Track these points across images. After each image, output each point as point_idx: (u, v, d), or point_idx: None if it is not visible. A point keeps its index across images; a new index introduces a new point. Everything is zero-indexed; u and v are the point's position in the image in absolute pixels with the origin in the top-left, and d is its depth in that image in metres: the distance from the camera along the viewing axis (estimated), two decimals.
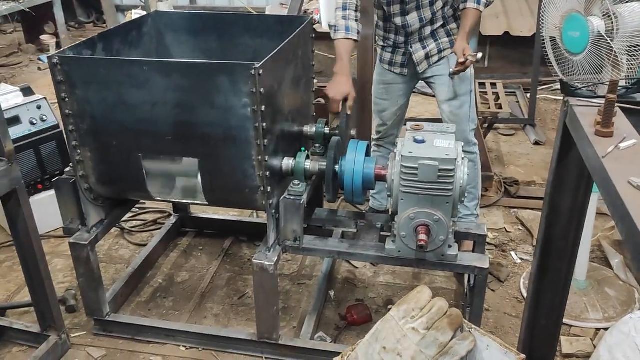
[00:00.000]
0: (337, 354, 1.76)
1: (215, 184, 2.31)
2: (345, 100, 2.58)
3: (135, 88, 2.16)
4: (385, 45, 2.98)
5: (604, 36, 1.84)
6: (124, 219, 3.23)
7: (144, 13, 3.64)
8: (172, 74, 2.13)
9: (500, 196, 3.74)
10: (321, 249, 2.41)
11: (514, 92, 5.43)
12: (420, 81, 3.06)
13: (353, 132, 2.71)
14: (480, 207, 3.28)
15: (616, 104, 1.47)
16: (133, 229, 3.53)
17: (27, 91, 3.36)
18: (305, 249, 2.40)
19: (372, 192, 3.30)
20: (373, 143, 3.20)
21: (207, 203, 2.40)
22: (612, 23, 1.84)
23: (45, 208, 3.16)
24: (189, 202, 2.67)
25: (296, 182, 2.33)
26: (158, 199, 2.45)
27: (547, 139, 4.57)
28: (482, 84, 4.97)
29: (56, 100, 2.26)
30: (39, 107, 3.32)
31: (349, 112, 2.59)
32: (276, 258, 2.32)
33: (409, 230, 2.16)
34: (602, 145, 1.40)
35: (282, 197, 2.31)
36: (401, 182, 2.10)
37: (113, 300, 2.74)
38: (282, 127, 2.36)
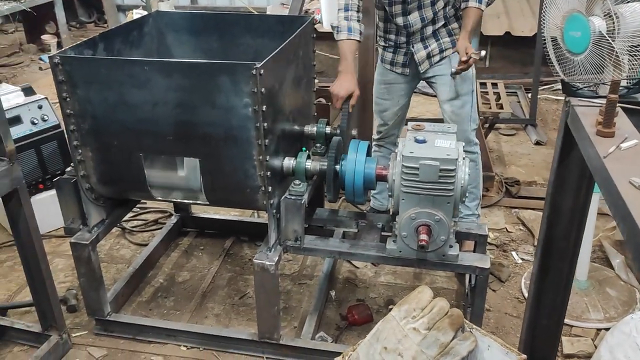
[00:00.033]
0: (338, 354, 1.76)
1: (216, 183, 2.31)
2: (349, 97, 2.60)
3: (136, 88, 2.16)
4: (387, 45, 2.98)
5: (605, 36, 1.84)
6: (125, 218, 3.23)
7: (145, 13, 3.64)
8: (173, 73, 2.13)
9: (501, 196, 3.74)
10: (322, 248, 2.41)
11: (515, 92, 5.43)
12: (421, 81, 3.06)
13: (354, 132, 2.71)
14: (481, 207, 3.28)
15: (617, 104, 1.47)
16: (134, 229, 3.53)
17: (28, 91, 3.36)
18: (306, 248, 2.40)
19: (373, 192, 3.30)
20: (374, 143, 3.20)
21: (208, 203, 2.40)
22: (614, 23, 1.84)
23: (47, 208, 3.16)
24: (190, 202, 2.67)
25: (297, 182, 2.33)
26: (159, 198, 2.45)
27: (548, 139, 4.57)
28: (483, 84, 4.98)
29: (57, 100, 2.26)
30: (40, 107, 3.32)
31: (350, 110, 2.60)
32: (277, 258, 2.32)
33: (410, 230, 2.16)
34: (603, 146, 1.40)
35: (283, 197, 2.31)
36: (402, 182, 2.10)
37: (114, 300, 2.74)
38: (283, 127, 2.36)
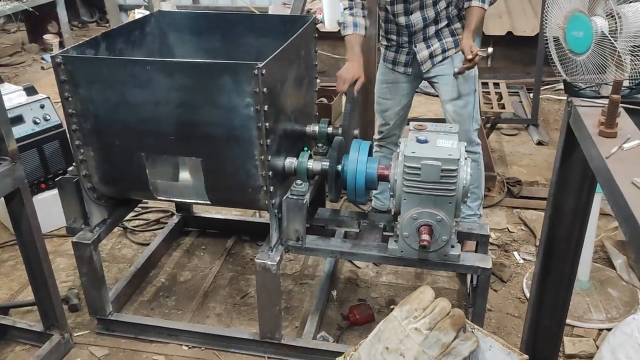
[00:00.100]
0: (340, 353, 1.76)
1: (218, 183, 2.31)
2: (354, 83, 2.64)
3: (138, 88, 2.16)
4: (389, 44, 2.98)
5: (607, 36, 1.84)
6: (126, 218, 3.23)
7: (147, 12, 3.64)
8: (175, 73, 2.13)
9: (503, 196, 3.74)
10: (324, 248, 2.41)
11: (517, 92, 5.42)
12: (423, 81, 3.06)
13: (356, 132, 2.71)
14: (483, 207, 3.28)
15: (620, 105, 1.47)
16: (136, 229, 3.54)
17: (30, 90, 3.37)
18: (307, 248, 2.40)
19: (374, 192, 3.30)
20: (375, 143, 3.20)
21: (209, 203, 2.40)
22: (616, 23, 1.84)
23: (49, 207, 3.16)
24: (192, 201, 2.67)
25: (299, 181, 2.33)
26: (161, 198, 2.45)
27: (549, 139, 4.56)
28: (485, 84, 4.97)
29: (59, 100, 2.27)
30: (42, 107, 3.33)
31: (355, 94, 2.64)
32: (279, 258, 2.32)
33: (412, 230, 2.16)
34: (605, 146, 1.40)
35: (284, 197, 2.31)
36: (404, 182, 2.10)
37: (116, 300, 2.74)
38: (285, 127, 2.36)
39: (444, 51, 2.87)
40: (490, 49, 2.66)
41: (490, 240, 2.99)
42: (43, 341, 2.52)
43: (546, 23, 2.07)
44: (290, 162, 2.35)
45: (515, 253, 3.23)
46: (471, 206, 3.05)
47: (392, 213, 2.31)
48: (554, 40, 2.04)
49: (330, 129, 2.63)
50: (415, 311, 1.61)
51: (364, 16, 2.84)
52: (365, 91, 3.14)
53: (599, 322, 2.66)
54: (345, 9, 2.86)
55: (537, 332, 2.03)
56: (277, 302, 2.41)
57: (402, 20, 2.81)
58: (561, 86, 5.36)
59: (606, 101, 1.48)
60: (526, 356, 1.64)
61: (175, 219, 3.44)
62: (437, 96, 3.09)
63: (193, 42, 2.93)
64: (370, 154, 2.35)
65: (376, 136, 3.22)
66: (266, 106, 2.07)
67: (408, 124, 2.72)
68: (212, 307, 2.87)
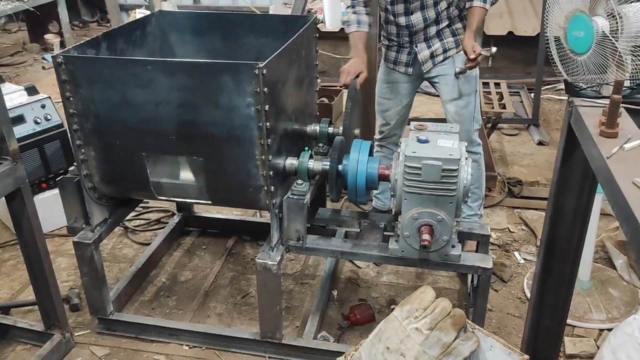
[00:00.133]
0: (340, 353, 1.76)
1: (218, 183, 2.31)
2: (357, 77, 2.68)
3: (139, 87, 2.16)
4: (390, 44, 2.98)
5: (608, 36, 1.83)
6: (127, 218, 3.24)
7: (148, 12, 3.65)
8: (176, 73, 2.14)
9: (504, 196, 3.74)
10: (324, 248, 2.41)
11: (518, 92, 5.42)
12: (424, 81, 3.06)
13: (356, 132, 2.71)
14: (484, 207, 3.28)
15: (621, 105, 1.47)
16: (136, 228, 3.54)
17: (31, 90, 3.37)
18: (308, 248, 2.40)
19: (375, 192, 3.30)
20: (375, 143, 3.20)
21: (210, 202, 2.40)
22: (617, 23, 1.83)
23: (50, 207, 3.16)
24: (193, 201, 2.67)
25: (299, 181, 2.33)
26: (161, 198, 2.45)
27: (550, 139, 4.56)
28: (486, 84, 4.97)
29: (60, 100, 2.27)
30: (43, 107, 3.33)
31: (358, 87, 2.66)
32: (279, 257, 2.32)
33: (412, 230, 2.16)
34: (606, 146, 1.40)
35: (285, 197, 2.31)
36: (405, 182, 2.10)
37: (116, 299, 2.74)
38: (286, 127, 2.36)
39: (445, 51, 2.87)
40: (494, 49, 2.66)
41: (491, 240, 3.00)
42: (44, 341, 2.52)
43: (547, 23, 2.07)
44: (291, 162, 2.35)
45: (516, 253, 3.23)
46: (472, 206, 3.05)
47: (393, 213, 2.31)
48: (554, 40, 2.03)
49: (331, 129, 2.63)
50: (416, 311, 1.61)
51: (367, 13, 2.89)
52: (366, 91, 3.14)
53: (600, 322, 2.66)
54: (348, 7, 2.91)
55: (538, 332, 2.03)
56: (278, 302, 2.41)
57: (402, 20, 2.81)
58: (562, 86, 5.36)
59: (607, 101, 1.48)
60: (527, 356, 1.64)
61: (176, 219, 3.44)
62: (437, 96, 3.09)
63: (194, 42, 2.93)
64: (371, 153, 2.35)
65: (377, 136, 3.22)
66: (267, 106, 2.07)
67: (409, 124, 2.72)
68: (212, 307, 2.87)
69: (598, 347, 2.48)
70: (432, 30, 2.83)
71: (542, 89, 4.92)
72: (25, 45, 7.38)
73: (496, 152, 4.39)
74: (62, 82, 2.21)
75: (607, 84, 1.84)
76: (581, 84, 1.92)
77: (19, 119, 3.20)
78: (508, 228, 3.45)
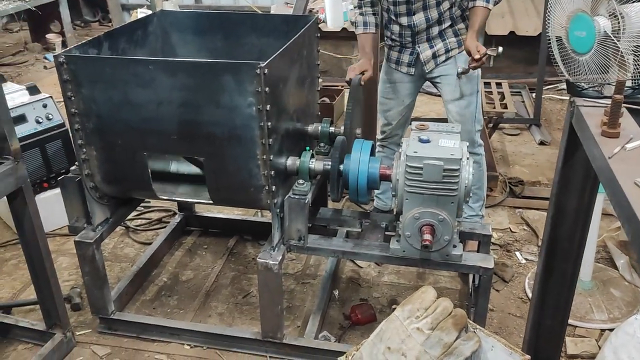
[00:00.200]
0: (341, 353, 1.76)
1: (220, 183, 2.31)
2: (361, 73, 2.74)
3: (140, 87, 2.16)
4: (393, 44, 2.98)
5: (610, 36, 1.83)
6: (128, 217, 3.24)
7: (150, 12, 3.65)
8: (177, 73, 2.14)
9: (505, 196, 3.74)
10: (325, 248, 2.41)
11: (519, 92, 5.42)
12: (426, 81, 3.06)
13: (358, 132, 2.71)
14: (485, 207, 3.27)
15: (623, 105, 1.47)
16: (138, 228, 3.54)
17: (33, 90, 3.37)
18: (309, 248, 2.40)
19: (376, 191, 3.30)
20: (377, 143, 3.20)
21: (212, 202, 2.40)
22: (619, 23, 1.83)
23: (51, 206, 3.17)
24: (194, 201, 2.68)
25: (301, 181, 2.33)
26: (163, 197, 2.45)
27: (552, 139, 4.56)
28: (487, 84, 4.97)
29: (62, 99, 2.27)
30: (44, 106, 3.33)
31: (362, 84, 2.69)
32: (280, 257, 2.32)
33: (414, 230, 2.16)
34: (608, 146, 1.39)
35: (286, 196, 2.31)
36: (406, 182, 2.10)
37: (118, 299, 2.75)
38: (287, 126, 2.36)
39: (447, 51, 2.87)
40: (500, 48, 2.65)
41: (493, 240, 3.00)
42: (45, 340, 2.52)
43: (549, 23, 2.07)
44: (292, 161, 2.35)
45: (518, 253, 3.22)
46: (473, 207, 3.05)
47: (394, 213, 2.31)
48: (556, 40, 2.03)
49: (332, 129, 2.63)
50: (417, 311, 1.61)
51: (373, 13, 2.92)
52: (368, 91, 3.14)
53: (601, 322, 2.66)
54: (355, 7, 2.97)
55: (539, 332, 2.03)
56: (279, 302, 2.41)
57: (404, 20, 2.81)
58: (564, 86, 5.36)
59: (609, 101, 1.48)
60: (528, 356, 1.64)
61: (177, 219, 3.45)
62: (439, 96, 3.09)
63: (195, 42, 2.93)
64: (372, 153, 2.35)
65: (379, 136, 3.22)
66: (268, 106, 2.07)
67: (410, 124, 2.72)
68: (214, 307, 2.87)
69: (599, 348, 2.48)
70: (435, 30, 2.83)
71: (544, 88, 4.92)
72: (27, 45, 7.39)
73: (498, 152, 4.39)
74: (63, 81, 2.21)
75: (608, 83, 1.84)
76: (583, 84, 1.92)
77: (21, 119, 3.20)
78: (509, 228, 3.45)
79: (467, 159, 2.12)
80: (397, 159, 2.18)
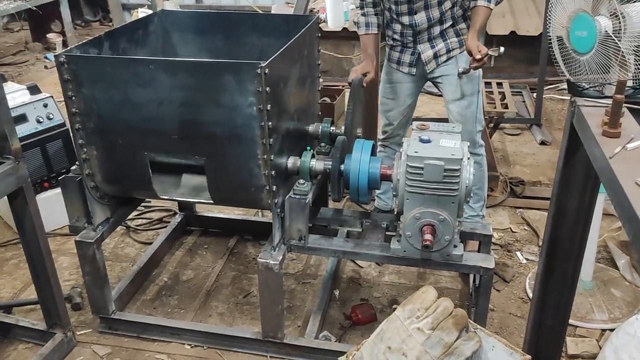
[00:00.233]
0: (342, 353, 1.76)
1: (220, 182, 2.31)
2: (364, 75, 2.76)
3: (141, 87, 2.16)
4: (394, 44, 2.98)
5: (611, 36, 1.83)
6: (129, 217, 3.24)
7: (150, 12, 3.65)
8: (178, 72, 2.14)
9: (506, 196, 3.74)
10: (326, 248, 2.41)
11: (520, 92, 5.42)
12: (427, 81, 3.06)
13: (358, 131, 2.71)
14: (486, 207, 3.27)
15: (623, 105, 1.47)
16: (138, 227, 3.54)
17: (33, 89, 3.37)
18: (310, 248, 2.40)
19: (377, 191, 3.30)
20: (379, 143, 3.20)
21: (212, 202, 2.40)
22: (620, 23, 1.83)
23: (52, 206, 3.17)
24: (195, 200, 2.67)
25: (301, 181, 2.33)
26: (163, 197, 2.45)
27: (553, 138, 4.56)
28: (488, 84, 4.96)
29: (63, 99, 2.27)
30: (45, 106, 3.33)
31: (364, 85, 2.71)
32: (281, 257, 2.32)
33: (415, 230, 2.16)
34: (609, 146, 1.39)
35: (287, 196, 2.31)
36: (407, 182, 2.10)
37: (118, 298, 2.75)
38: (288, 126, 2.36)
39: (448, 51, 2.87)
40: (502, 48, 2.64)
41: (493, 240, 3.00)
42: (46, 340, 2.52)
43: (550, 22, 2.07)
44: (293, 161, 2.35)
45: (518, 253, 3.22)
46: (474, 207, 3.05)
47: (395, 213, 2.31)
48: (557, 40, 2.03)
49: (333, 129, 2.63)
50: (418, 311, 1.61)
51: (375, 14, 2.93)
52: (369, 91, 3.14)
53: (602, 322, 2.66)
54: (357, 7, 2.98)
55: (540, 332, 2.03)
56: (280, 302, 2.41)
57: (405, 20, 2.81)
58: (564, 86, 5.35)
59: (610, 101, 1.48)
60: (529, 356, 1.64)
61: (178, 218, 3.45)
62: (440, 95, 3.09)
63: (196, 42, 2.93)
64: (373, 153, 2.35)
65: (380, 136, 3.22)
66: (269, 105, 2.07)
67: (411, 124, 2.72)
68: (214, 306, 2.87)
69: (600, 348, 2.48)
70: (436, 30, 2.83)
71: (545, 88, 4.91)
72: (27, 45, 7.39)
73: (498, 151, 4.39)
74: (64, 81, 2.21)
75: (609, 83, 1.84)
76: (584, 84, 1.92)
77: (21, 118, 3.20)
78: (510, 228, 3.45)
79: (468, 159, 2.12)
80: (398, 158, 2.18)
